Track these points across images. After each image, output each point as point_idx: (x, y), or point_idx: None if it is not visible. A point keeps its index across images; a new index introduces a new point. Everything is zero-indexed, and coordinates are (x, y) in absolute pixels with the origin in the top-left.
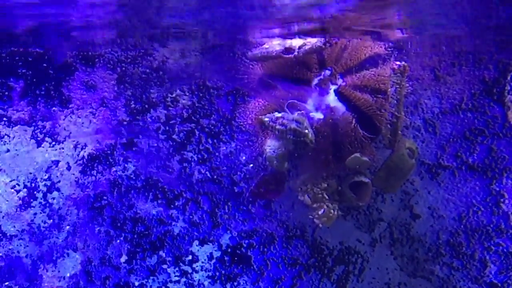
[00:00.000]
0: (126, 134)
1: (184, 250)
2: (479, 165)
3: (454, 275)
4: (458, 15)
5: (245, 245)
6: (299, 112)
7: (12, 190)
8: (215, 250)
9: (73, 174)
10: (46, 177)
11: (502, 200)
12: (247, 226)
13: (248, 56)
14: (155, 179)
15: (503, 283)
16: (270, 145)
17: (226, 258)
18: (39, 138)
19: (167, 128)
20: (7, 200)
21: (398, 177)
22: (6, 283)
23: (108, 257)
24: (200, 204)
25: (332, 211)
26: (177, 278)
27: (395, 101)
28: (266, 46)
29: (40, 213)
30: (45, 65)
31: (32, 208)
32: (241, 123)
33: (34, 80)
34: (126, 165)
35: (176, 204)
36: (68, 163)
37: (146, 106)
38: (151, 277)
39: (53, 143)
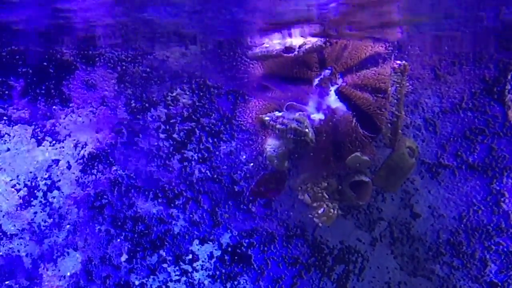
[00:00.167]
0: (127, 133)
1: (184, 249)
2: (480, 164)
3: (454, 274)
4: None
5: (245, 244)
6: (299, 112)
7: (13, 189)
8: (216, 249)
9: (74, 173)
10: (46, 176)
11: (502, 199)
12: (248, 225)
13: (248, 55)
14: (155, 178)
15: (503, 282)
16: (271, 144)
17: (226, 257)
18: (39, 137)
19: (168, 127)
20: (7, 199)
21: (399, 176)
22: (7, 282)
23: (109, 256)
24: (201, 203)
25: (332, 210)
26: (177, 277)
27: (396, 100)
28: (266, 45)
29: (41, 212)
30: (45, 63)
31: (32, 207)
32: (242, 122)
33: (35, 79)
34: (126, 164)
35: (177, 203)
36: (68, 162)
37: (147, 105)
38: (152, 276)
39: (54, 142)
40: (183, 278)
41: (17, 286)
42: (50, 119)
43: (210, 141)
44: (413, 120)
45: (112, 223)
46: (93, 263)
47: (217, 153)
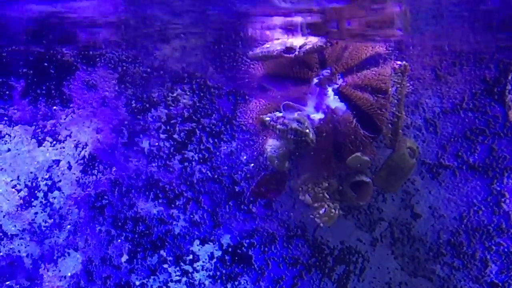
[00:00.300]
0: (127, 133)
1: (185, 249)
2: (480, 165)
3: (455, 275)
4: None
5: (246, 245)
6: (298, 112)
7: (13, 189)
8: (216, 250)
9: (74, 173)
10: (47, 176)
11: (503, 199)
12: (248, 225)
13: (249, 55)
14: (156, 179)
15: (504, 282)
16: (271, 145)
17: (227, 258)
18: (40, 138)
19: (168, 127)
20: (8, 200)
21: (399, 176)
22: (7, 283)
23: (109, 256)
24: (201, 204)
25: (333, 210)
26: (178, 278)
27: (396, 101)
28: (267, 45)
29: (41, 212)
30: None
31: (33, 207)
32: (242, 123)
33: (35, 79)
34: (127, 164)
35: (177, 203)
36: (69, 162)
37: (147, 105)
38: (152, 277)
39: (54, 142)
40: (184, 279)
41: (18, 286)
42: (50, 120)
43: (211, 141)
44: (414, 121)
45: (112, 224)
46: (93, 263)
47: (217, 153)
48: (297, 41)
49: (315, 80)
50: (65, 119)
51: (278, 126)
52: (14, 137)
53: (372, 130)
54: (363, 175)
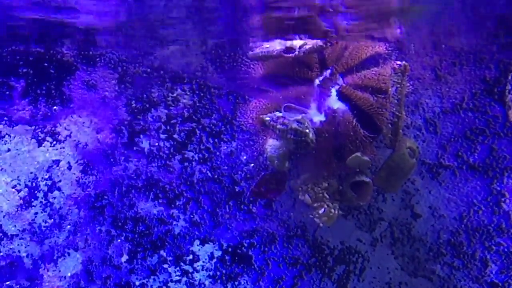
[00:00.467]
0: (127, 133)
1: (185, 249)
2: (480, 165)
3: (455, 275)
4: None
5: (246, 245)
6: (303, 114)
7: (13, 189)
8: (216, 250)
9: (74, 173)
10: (47, 176)
11: (503, 199)
12: (248, 225)
13: (248, 55)
14: (156, 179)
15: (504, 282)
16: (271, 145)
17: (227, 258)
18: (40, 138)
19: (168, 127)
20: (8, 200)
21: (399, 176)
22: (7, 283)
23: (109, 256)
24: (201, 204)
25: (332, 210)
26: (178, 278)
27: (396, 101)
28: (267, 45)
29: (41, 212)
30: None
31: (33, 207)
32: (242, 123)
33: (35, 79)
34: (127, 164)
35: (177, 203)
36: (69, 162)
37: (147, 105)
38: (152, 277)
39: (54, 142)
40: (184, 279)
41: (18, 286)
42: (50, 120)
43: (211, 141)
44: (414, 121)
45: (112, 224)
46: (93, 263)
47: (217, 153)
48: (297, 41)
49: (317, 80)
50: (65, 119)
51: (278, 126)
52: (14, 137)
53: (372, 130)
54: (363, 175)
